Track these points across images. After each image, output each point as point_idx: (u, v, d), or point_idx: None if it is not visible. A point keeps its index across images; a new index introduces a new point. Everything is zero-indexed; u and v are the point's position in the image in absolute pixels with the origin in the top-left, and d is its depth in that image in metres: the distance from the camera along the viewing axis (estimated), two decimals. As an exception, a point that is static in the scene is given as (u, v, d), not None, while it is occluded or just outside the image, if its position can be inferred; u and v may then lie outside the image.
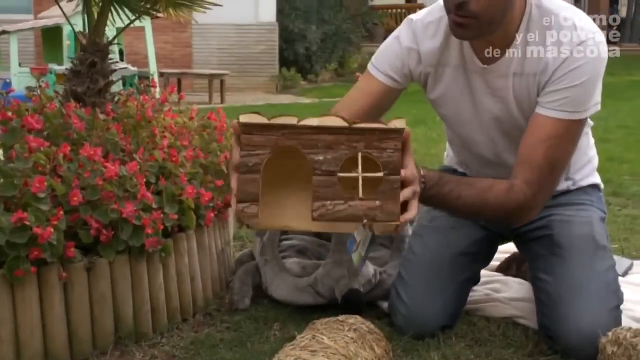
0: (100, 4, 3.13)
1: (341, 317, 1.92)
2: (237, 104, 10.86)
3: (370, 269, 2.48)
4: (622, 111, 9.54)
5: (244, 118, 1.71)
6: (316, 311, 2.44)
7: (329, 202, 1.69)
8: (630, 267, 2.92)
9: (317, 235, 2.79)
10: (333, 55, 14.81)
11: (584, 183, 2.43)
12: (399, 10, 19.20)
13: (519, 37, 2.11)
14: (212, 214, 2.56)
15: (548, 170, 2.06)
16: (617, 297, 2.22)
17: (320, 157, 1.69)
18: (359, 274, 2.43)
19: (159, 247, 2.30)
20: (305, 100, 11.64)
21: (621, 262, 2.85)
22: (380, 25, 17.86)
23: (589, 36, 2.05)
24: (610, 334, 2.03)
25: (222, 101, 11.25)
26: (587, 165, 2.44)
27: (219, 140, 2.79)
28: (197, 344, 2.29)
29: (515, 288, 2.66)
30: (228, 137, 2.86)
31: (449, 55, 2.21)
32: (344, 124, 1.69)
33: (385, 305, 2.51)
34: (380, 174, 1.69)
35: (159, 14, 3.36)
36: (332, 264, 2.45)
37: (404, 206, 1.73)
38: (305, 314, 2.45)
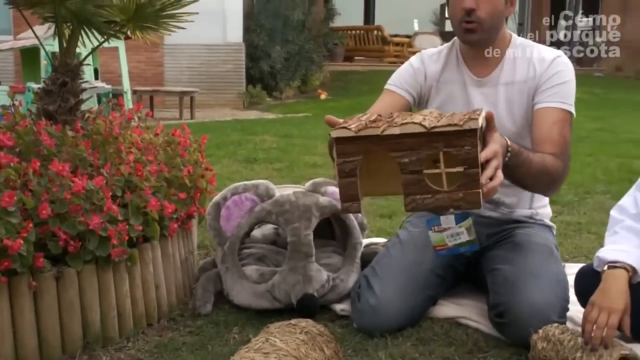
0: (71, 28, 3.11)
1: (294, 321, 1.93)
2: (206, 119, 10.82)
3: (323, 274, 2.49)
4: (563, 125, 9.64)
5: (335, 133, 1.87)
6: (274, 315, 2.45)
7: (418, 196, 1.85)
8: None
9: (274, 243, 2.80)
10: (296, 74, 14.79)
11: (544, 219, 2.67)
12: (357, 31, 19.24)
13: (507, 56, 2.52)
14: (175, 225, 2.56)
15: (565, 145, 2.36)
16: (566, 293, 2.32)
17: (406, 160, 1.84)
18: (313, 280, 2.44)
19: (125, 256, 2.30)
20: (270, 115, 11.62)
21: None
22: (341, 45, 17.86)
23: (561, 53, 2.52)
24: (540, 331, 2.07)
25: (192, 117, 11.18)
26: (546, 207, 2.72)
27: (182, 155, 2.78)
28: (160, 348, 2.29)
29: (458, 291, 2.67)
30: (191, 152, 2.86)
31: (448, 74, 2.59)
32: (423, 129, 1.81)
33: (338, 307, 2.52)
34: (461, 169, 1.82)
35: (128, 37, 3.34)
36: (287, 271, 2.47)
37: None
38: (263, 318, 2.45)
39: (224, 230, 2.57)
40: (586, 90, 16.27)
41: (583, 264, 2.60)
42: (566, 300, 2.32)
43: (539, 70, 2.46)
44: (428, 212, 1.94)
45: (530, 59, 2.50)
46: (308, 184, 2.66)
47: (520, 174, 2.17)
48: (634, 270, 2.12)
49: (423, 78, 2.61)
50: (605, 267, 2.14)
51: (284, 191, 2.61)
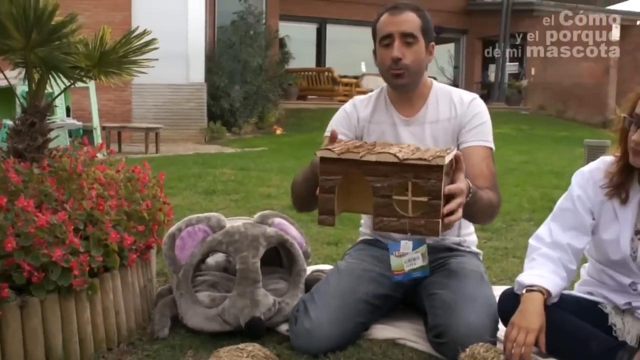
0: (40, 72, 3.07)
1: (241, 345, 1.91)
2: (170, 153, 10.75)
3: (270, 299, 2.48)
4: (493, 158, 9.77)
5: (321, 153, 1.99)
6: (225, 338, 2.42)
7: (385, 218, 1.94)
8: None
9: (226, 270, 2.78)
10: (254, 111, 14.81)
11: (471, 246, 2.73)
12: (310, 73, 19.35)
13: (430, 98, 2.60)
14: (134, 255, 2.52)
15: (494, 178, 2.47)
16: (496, 314, 2.33)
17: (379, 185, 1.93)
18: (260, 304, 2.42)
19: (86, 286, 2.25)
20: (230, 149, 11.60)
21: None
22: (295, 85, 17.93)
23: (476, 95, 2.62)
24: (467, 350, 2.08)
25: (157, 151, 11.11)
26: (472, 234, 2.77)
27: (141, 190, 2.75)
28: (119, 371, 2.24)
29: (396, 314, 2.67)
30: (150, 187, 2.83)
31: (378, 116, 2.65)
32: (396, 160, 1.91)
33: (284, 328, 2.51)
34: (425, 199, 1.91)
35: (92, 80, 3.31)
36: (236, 296, 2.45)
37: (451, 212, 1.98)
38: (216, 340, 2.42)
39: (179, 259, 2.54)
40: (514, 126, 16.58)
41: (508, 286, 2.62)
42: (497, 321, 2.34)
43: (460, 111, 2.55)
44: (391, 232, 2.00)
45: (451, 100, 2.59)
46: (256, 216, 2.66)
47: (473, 210, 2.22)
48: (548, 293, 2.15)
49: (356, 121, 2.67)
50: (524, 291, 2.17)
51: (234, 222, 2.60)
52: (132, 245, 2.49)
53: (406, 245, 2.21)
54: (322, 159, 1.98)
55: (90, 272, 2.28)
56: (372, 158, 1.94)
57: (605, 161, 2.28)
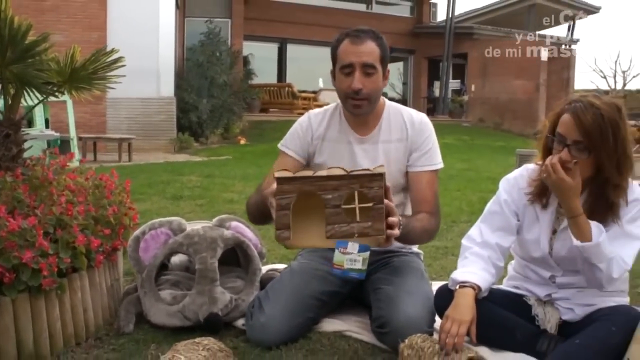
0: (15, 87, 3.01)
1: (198, 339, 1.88)
2: (141, 162, 10.63)
3: (227, 296, 2.46)
4: (437, 165, 9.83)
5: (278, 174, 2.05)
6: (186, 332, 2.39)
7: (336, 225, 2.01)
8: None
9: (187, 270, 2.76)
10: (220, 123, 14.77)
11: (413, 247, 2.73)
12: (271, 88, 19.34)
13: (383, 118, 2.55)
14: (101, 257, 2.48)
15: (437, 200, 2.52)
16: (433, 308, 2.34)
17: (329, 196, 2.00)
18: (218, 301, 2.41)
19: (55, 285, 2.21)
20: (197, 158, 11.52)
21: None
22: (257, 99, 17.92)
23: (423, 115, 2.60)
24: (406, 340, 2.09)
25: (129, 160, 10.98)
26: None
27: (107, 197, 2.71)
28: (86, 364, 2.20)
29: (343, 308, 2.66)
30: (116, 194, 2.79)
31: (333, 132, 2.58)
32: (344, 172, 2.01)
33: (240, 323, 2.49)
34: (370, 204, 1.99)
35: (64, 95, 3.26)
36: (196, 294, 2.43)
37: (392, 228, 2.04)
38: (177, 335, 2.39)
39: (143, 260, 2.51)
40: (456, 137, 16.76)
41: (447, 282, 2.64)
42: (434, 314, 2.35)
43: (411, 133, 2.52)
44: (343, 238, 2.03)
45: (403, 121, 2.55)
46: (215, 220, 2.64)
47: (407, 238, 2.29)
48: (479, 288, 2.17)
49: (310, 137, 2.59)
50: (457, 287, 2.19)
51: (194, 226, 2.58)
52: (99, 248, 2.46)
53: (353, 246, 2.22)
54: (279, 179, 2.04)
55: (59, 272, 2.24)
56: (323, 173, 2.03)
57: (528, 168, 2.32)
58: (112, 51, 3.00)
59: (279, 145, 2.64)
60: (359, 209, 2.00)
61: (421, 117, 2.58)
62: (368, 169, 2.04)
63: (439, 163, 2.55)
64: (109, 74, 3.14)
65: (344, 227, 2.01)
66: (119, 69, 3.15)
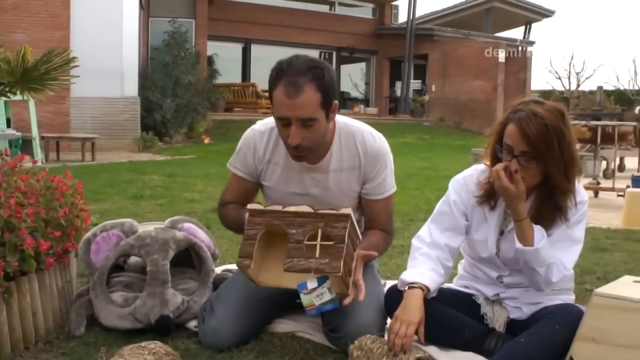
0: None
1: (144, 343, 1.83)
2: (105, 161, 10.46)
3: (178, 298, 2.41)
4: (397, 165, 9.76)
5: (250, 206, 2.13)
6: (137, 335, 2.33)
7: (295, 259, 2.03)
8: (383, 286, 2.96)
9: (143, 271, 2.69)
10: (184, 122, 14.61)
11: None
12: (236, 87, 19.22)
13: (334, 145, 2.35)
14: (52, 260, 2.41)
15: (391, 219, 2.51)
16: (384, 311, 2.31)
17: (294, 231, 2.06)
18: (169, 303, 2.35)
19: (2, 289, 2.13)
20: (161, 157, 11.37)
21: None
22: (222, 98, 17.80)
23: (379, 135, 2.40)
24: (356, 342, 2.07)
25: (93, 159, 10.79)
26: None
27: (58, 198, 2.63)
28: (34, 369, 2.13)
29: (296, 309, 2.61)
30: (68, 196, 2.71)
31: (281, 156, 2.38)
32: (311, 210, 2.07)
33: (192, 324, 2.44)
34: (331, 243, 2.03)
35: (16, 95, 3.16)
36: (147, 296, 2.37)
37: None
38: (128, 337, 2.33)
39: (94, 262, 2.45)
40: (417, 136, 16.87)
41: (393, 282, 2.62)
42: (385, 317, 2.32)
43: (364, 162, 2.34)
44: (300, 272, 2.05)
45: (355, 148, 2.34)
46: (167, 221, 2.58)
47: None
48: (427, 289, 2.16)
49: (256, 160, 2.40)
50: (406, 288, 2.17)
51: (146, 227, 2.52)
52: (49, 250, 2.38)
53: (312, 282, 2.20)
54: (250, 211, 2.12)
55: (6, 276, 2.16)
56: (292, 209, 2.08)
57: (477, 169, 2.32)
58: (65, 51, 2.92)
59: (228, 165, 2.49)
60: (320, 246, 2.03)
61: (377, 146, 2.36)
62: (335, 210, 2.08)
63: (392, 188, 2.45)
64: (63, 75, 3.06)
65: (302, 262, 2.03)
66: (72, 69, 3.07)
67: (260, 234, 2.08)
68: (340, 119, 2.38)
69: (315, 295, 2.25)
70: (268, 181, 2.43)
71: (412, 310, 2.09)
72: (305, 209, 2.08)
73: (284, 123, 2.16)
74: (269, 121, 2.39)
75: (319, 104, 2.14)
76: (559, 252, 2.11)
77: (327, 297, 2.26)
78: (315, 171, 2.36)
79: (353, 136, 2.35)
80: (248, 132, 2.44)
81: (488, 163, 2.24)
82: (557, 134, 2.03)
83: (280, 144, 2.32)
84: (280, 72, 2.14)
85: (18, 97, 3.21)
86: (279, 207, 2.10)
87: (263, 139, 2.38)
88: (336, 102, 2.23)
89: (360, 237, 2.27)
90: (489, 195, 2.23)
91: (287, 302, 2.53)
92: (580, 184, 2.22)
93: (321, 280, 2.22)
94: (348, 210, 2.06)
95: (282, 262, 2.06)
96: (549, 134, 2.02)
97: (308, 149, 2.21)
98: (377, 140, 2.37)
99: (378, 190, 2.41)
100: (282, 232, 2.09)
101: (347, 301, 2.11)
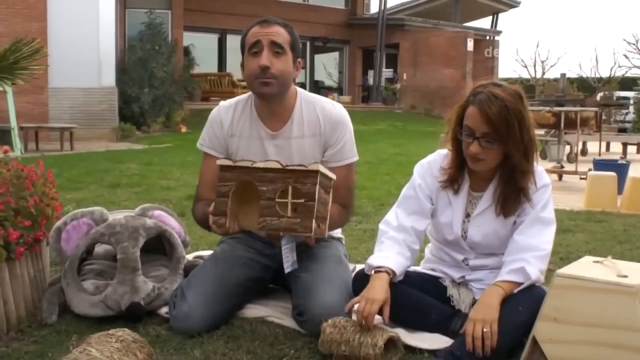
0: None
1: (112, 331, 1.77)
2: (83, 150, 10.31)
3: (149, 285, 2.35)
4: (370, 151, 9.86)
5: (220, 162, 2.09)
6: (109, 321, 2.28)
7: (268, 218, 1.99)
8: (353, 270, 2.93)
9: (114, 260, 2.63)
10: (161, 112, 14.42)
11: (336, 234, 2.61)
12: (212, 77, 19.01)
13: (295, 112, 2.38)
14: (22, 249, 2.33)
15: (351, 194, 2.45)
16: (351, 294, 2.25)
17: (264, 188, 2.00)
18: (140, 290, 2.30)
19: (-30, 279, 2.06)
20: (139, 146, 11.23)
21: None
22: (198, 88, 17.60)
23: (339, 107, 2.42)
24: (330, 320, 2.04)
25: (71, 148, 10.63)
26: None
27: (28, 187, 2.56)
28: (4, 358, 2.06)
29: (265, 294, 2.59)
30: (39, 185, 2.63)
31: (244, 127, 2.41)
32: (280, 166, 2.01)
33: (163, 311, 2.39)
34: (302, 201, 1.98)
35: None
36: (117, 284, 2.31)
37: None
38: (100, 324, 2.27)
39: (65, 251, 2.38)
40: (389, 123, 16.86)
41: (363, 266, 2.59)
42: (351, 297, 2.29)
43: (325, 129, 2.37)
44: (272, 230, 2.02)
45: (316, 116, 2.38)
46: (137, 209, 2.52)
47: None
48: (394, 272, 2.13)
49: (223, 134, 2.43)
50: (373, 272, 2.14)
51: (117, 215, 2.45)
52: (19, 239, 2.31)
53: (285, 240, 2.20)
54: (221, 167, 2.07)
55: (-25, 265, 2.09)
56: (261, 165, 2.02)
57: (441, 153, 2.29)
58: (33, 41, 2.83)
59: (198, 145, 2.48)
60: (291, 204, 1.98)
61: (337, 113, 2.40)
62: (303, 165, 2.02)
63: (353, 156, 2.43)
64: (33, 65, 2.98)
65: (274, 221, 1.99)
66: (44, 58, 2.99)
67: (232, 191, 2.03)
68: (302, 90, 2.46)
69: (290, 250, 2.25)
70: (236, 155, 2.41)
71: (377, 290, 2.06)
72: (274, 164, 2.01)
73: (255, 50, 2.26)
74: (233, 99, 2.50)
75: (288, 40, 2.29)
76: (534, 237, 2.11)
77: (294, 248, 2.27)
78: (277, 138, 2.38)
79: (313, 105, 2.41)
80: (214, 111, 2.49)
81: (451, 148, 2.22)
82: (517, 115, 2.03)
83: (244, 116, 2.41)
84: (252, 24, 2.33)
85: (5, 86, 3.12)
86: (248, 163, 2.05)
87: (228, 112, 2.44)
88: (300, 60, 2.36)
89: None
90: (452, 179, 2.21)
91: (259, 288, 2.50)
92: (542, 168, 2.21)
93: (286, 241, 2.23)
94: (317, 166, 1.99)
95: (254, 207, 2.05)
96: (509, 116, 2.01)
97: (276, 79, 2.26)
98: (337, 108, 2.43)
99: (338, 157, 2.39)
100: (251, 187, 2.04)
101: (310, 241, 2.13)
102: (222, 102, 2.50)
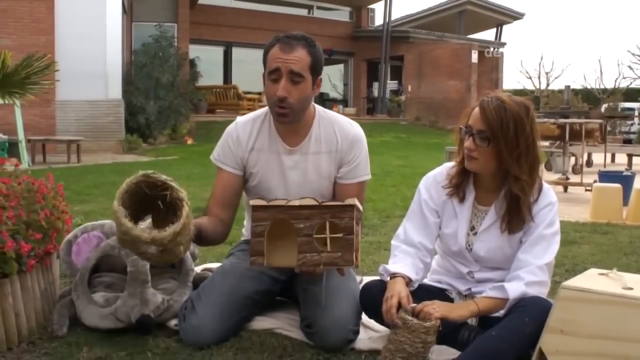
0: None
1: None
2: (90, 163, 10.37)
3: (158, 297, 2.38)
4: (375, 163, 9.77)
5: (253, 202, 2.10)
6: (119, 334, 2.31)
7: (308, 254, 2.00)
8: (361, 282, 2.95)
9: (124, 272, 2.66)
10: (167, 124, 14.52)
11: None
12: (217, 89, 19.12)
13: (313, 128, 2.41)
14: (33, 261, 2.36)
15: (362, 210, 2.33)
16: (359, 306, 2.29)
17: (301, 225, 2.00)
18: (150, 303, 2.32)
19: (-17, 292, 2.09)
20: (145, 158, 11.29)
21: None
22: (204, 100, 17.72)
23: (355, 124, 2.46)
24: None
25: (78, 161, 10.69)
26: None
27: (38, 201, 2.59)
28: (17, 370, 2.09)
29: (274, 306, 2.61)
30: (49, 198, 2.66)
31: (262, 142, 2.43)
32: (315, 203, 2.02)
33: (172, 323, 2.41)
34: (341, 235, 1.99)
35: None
36: (127, 296, 2.34)
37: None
38: (110, 336, 2.31)
39: (75, 264, 2.42)
40: (394, 135, 16.89)
41: (370, 278, 2.61)
42: (360, 312, 2.32)
43: (342, 147, 2.42)
44: (313, 267, 2.03)
45: (334, 133, 2.43)
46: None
47: None
48: (409, 279, 2.15)
49: (241, 149, 2.44)
50: (389, 278, 2.16)
51: (127, 229, 2.47)
52: (31, 252, 2.33)
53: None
54: (254, 207, 2.06)
55: (-13, 278, 2.12)
56: (296, 203, 2.03)
57: (447, 166, 2.32)
58: (44, 56, 2.88)
59: (212, 159, 2.50)
60: (330, 239, 1.99)
61: (354, 132, 2.45)
62: (339, 201, 2.06)
63: (366, 174, 2.47)
64: (44, 79, 3.02)
65: (315, 257, 2.00)
66: (53, 72, 3.03)
67: (267, 230, 2.04)
68: (319, 107, 2.49)
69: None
70: (253, 168, 2.44)
71: (396, 287, 2.07)
72: (309, 201, 2.03)
73: (274, 77, 2.27)
74: (250, 115, 2.52)
75: (308, 64, 2.28)
76: (538, 255, 2.12)
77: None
78: (295, 153, 2.41)
79: (331, 122, 2.44)
80: (230, 126, 2.50)
81: (458, 159, 2.24)
82: (515, 119, 2.06)
83: (263, 131, 2.43)
84: (275, 39, 2.32)
85: (14, 99, 3.16)
86: (282, 202, 2.06)
87: (246, 128, 2.45)
88: (321, 77, 2.36)
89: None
90: (457, 186, 2.24)
91: (267, 301, 2.52)
92: (549, 186, 2.24)
93: None
94: (353, 201, 2.02)
95: (289, 242, 2.05)
96: (505, 116, 2.05)
97: (292, 109, 2.27)
98: (354, 127, 2.47)
99: (352, 175, 2.43)
100: (286, 224, 2.04)
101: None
102: (238, 118, 2.52)
